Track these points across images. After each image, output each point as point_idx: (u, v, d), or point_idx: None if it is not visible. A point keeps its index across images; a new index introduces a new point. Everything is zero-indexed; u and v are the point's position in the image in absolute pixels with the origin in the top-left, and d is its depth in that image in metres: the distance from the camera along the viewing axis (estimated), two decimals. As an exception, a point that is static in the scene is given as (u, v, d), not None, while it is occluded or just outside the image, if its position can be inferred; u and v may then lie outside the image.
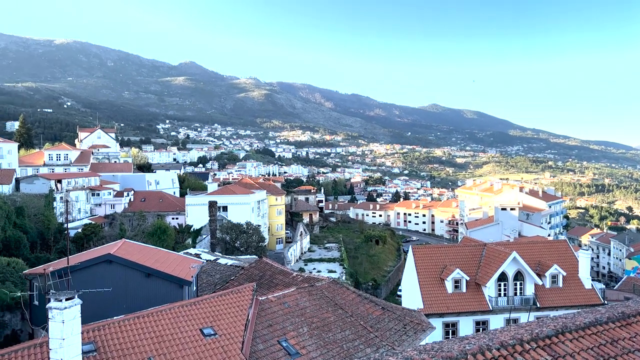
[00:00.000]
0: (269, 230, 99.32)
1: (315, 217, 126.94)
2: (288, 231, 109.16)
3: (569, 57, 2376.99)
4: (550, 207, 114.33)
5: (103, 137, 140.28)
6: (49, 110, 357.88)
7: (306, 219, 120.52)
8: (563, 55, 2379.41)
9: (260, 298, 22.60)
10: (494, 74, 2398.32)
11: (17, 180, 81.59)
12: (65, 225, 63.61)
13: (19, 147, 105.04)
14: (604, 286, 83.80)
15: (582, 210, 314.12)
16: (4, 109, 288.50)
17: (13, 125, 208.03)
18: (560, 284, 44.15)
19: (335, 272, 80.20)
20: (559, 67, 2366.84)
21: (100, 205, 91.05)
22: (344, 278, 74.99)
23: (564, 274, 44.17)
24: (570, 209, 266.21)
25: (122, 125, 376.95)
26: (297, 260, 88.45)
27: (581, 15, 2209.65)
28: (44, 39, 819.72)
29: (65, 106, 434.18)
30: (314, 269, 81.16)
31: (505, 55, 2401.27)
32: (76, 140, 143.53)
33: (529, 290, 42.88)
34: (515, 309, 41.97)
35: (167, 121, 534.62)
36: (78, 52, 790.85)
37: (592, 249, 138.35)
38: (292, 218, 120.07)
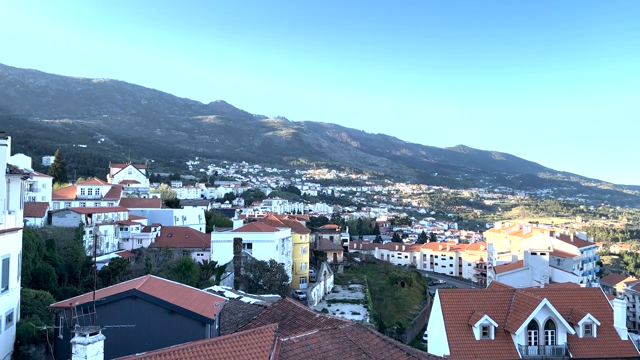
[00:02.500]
0: (292, 268, 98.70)
1: (340, 256, 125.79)
2: (312, 270, 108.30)
3: (599, 98, 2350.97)
4: (582, 252, 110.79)
5: (134, 172, 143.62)
6: (83, 146, 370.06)
7: (330, 258, 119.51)
8: (593, 96, 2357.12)
9: (283, 339, 22.26)
10: (521, 115, 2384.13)
11: (50, 214, 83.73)
12: (93, 259, 64.53)
13: (54, 181, 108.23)
14: (642, 338, 79.97)
15: (616, 257, 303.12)
16: (42, 144, 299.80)
17: (49, 160, 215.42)
18: (595, 334, 42.29)
19: (359, 314, 78.80)
20: (588, 109, 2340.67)
21: (128, 239, 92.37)
22: (368, 321, 73.54)
23: (598, 323, 42.38)
24: (603, 255, 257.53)
25: (152, 161, 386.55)
26: (320, 300, 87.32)
27: (613, 51, 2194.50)
28: (82, 77, 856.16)
29: (99, 142, 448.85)
30: (337, 310, 79.94)
31: (533, 96, 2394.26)
32: (108, 175, 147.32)
33: (561, 340, 41.17)
34: (547, 359, 40.25)
35: (197, 158, 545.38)
36: (114, 90, 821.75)
37: (628, 298, 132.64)
38: (316, 257, 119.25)
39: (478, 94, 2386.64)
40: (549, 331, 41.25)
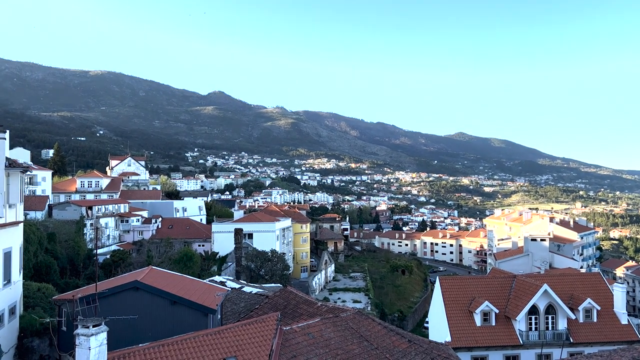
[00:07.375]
0: (293, 258, 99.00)
1: (340, 245, 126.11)
2: (313, 259, 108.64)
3: (598, 81, 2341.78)
4: (582, 238, 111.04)
5: (133, 164, 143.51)
6: (82, 139, 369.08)
7: (331, 247, 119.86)
8: (592, 79, 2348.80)
9: (285, 328, 22.39)
10: (520, 98, 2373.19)
11: (50, 207, 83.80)
12: (95, 251, 64.77)
13: (53, 174, 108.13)
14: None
15: (616, 242, 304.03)
16: (40, 138, 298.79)
17: (48, 153, 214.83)
18: (595, 319, 42.51)
19: (360, 302, 79.17)
20: (587, 94, 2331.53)
21: (128, 231, 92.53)
22: (369, 309, 73.91)
23: (599, 308, 42.58)
24: (603, 240, 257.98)
25: (152, 153, 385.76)
26: (321, 289, 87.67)
27: (610, 30, 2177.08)
28: (79, 70, 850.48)
29: (97, 135, 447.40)
30: (339, 298, 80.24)
31: (530, 77, 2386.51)
32: (107, 168, 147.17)
33: (562, 325, 41.39)
34: (548, 344, 40.49)
35: (196, 149, 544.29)
36: (111, 82, 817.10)
37: (628, 282, 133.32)
38: (317, 246, 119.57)
39: (475, 77, 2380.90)
40: (550, 316, 41.45)
